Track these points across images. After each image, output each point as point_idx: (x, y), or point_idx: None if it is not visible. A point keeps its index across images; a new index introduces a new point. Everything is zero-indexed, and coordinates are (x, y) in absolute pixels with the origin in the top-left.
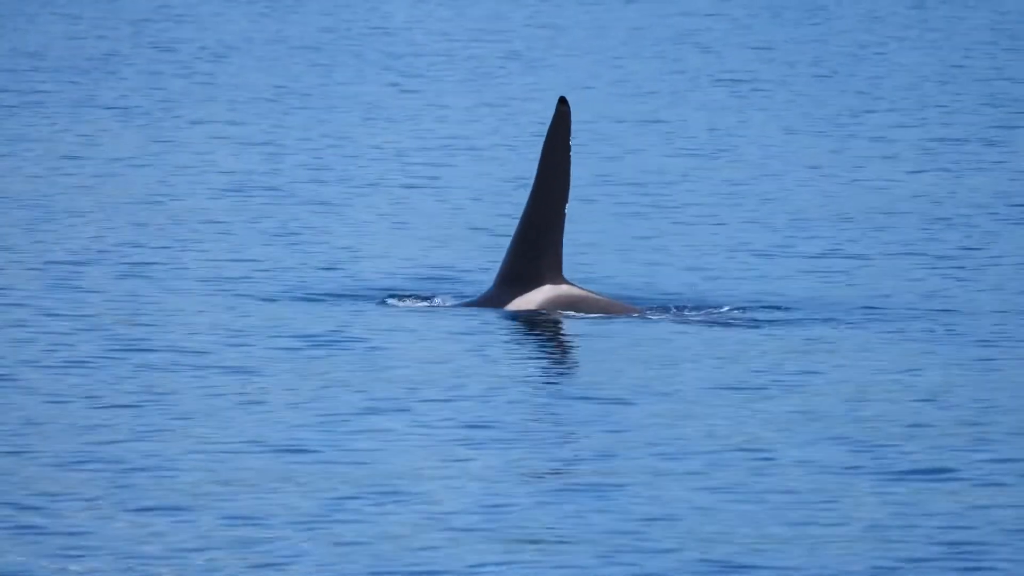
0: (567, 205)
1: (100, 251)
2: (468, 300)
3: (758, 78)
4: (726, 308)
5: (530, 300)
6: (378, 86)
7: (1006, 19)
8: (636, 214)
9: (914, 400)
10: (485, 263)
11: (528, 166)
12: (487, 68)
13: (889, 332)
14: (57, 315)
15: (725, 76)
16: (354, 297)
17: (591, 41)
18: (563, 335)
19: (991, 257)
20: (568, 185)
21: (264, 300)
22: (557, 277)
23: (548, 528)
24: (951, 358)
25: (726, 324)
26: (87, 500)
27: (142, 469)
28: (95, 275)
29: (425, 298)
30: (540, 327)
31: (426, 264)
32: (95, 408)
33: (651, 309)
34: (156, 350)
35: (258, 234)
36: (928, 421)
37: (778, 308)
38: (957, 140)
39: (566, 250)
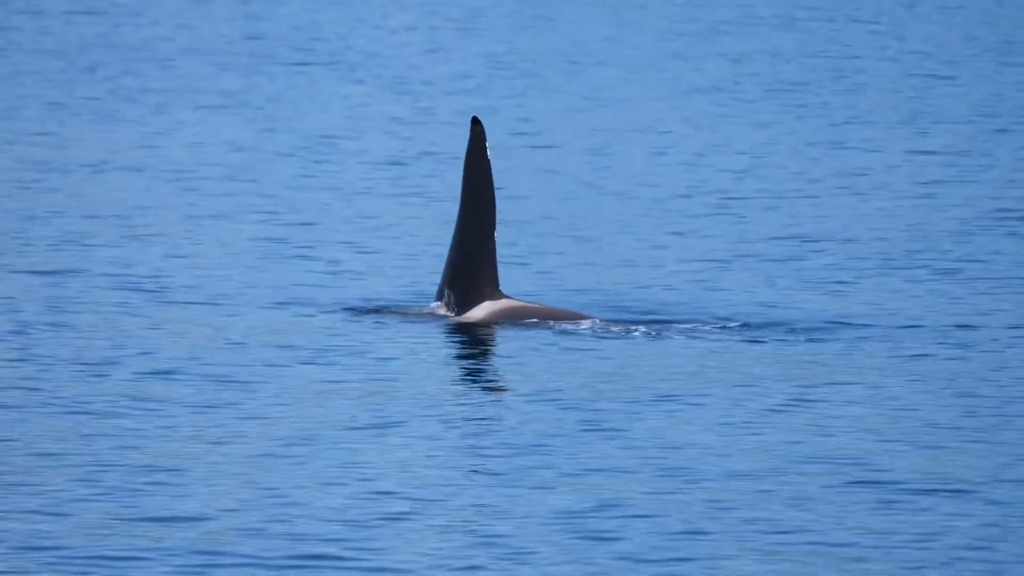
0: (496, 222)
1: (86, 261)
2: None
3: (744, 88)
4: (710, 323)
5: (472, 316)
6: (364, 89)
7: (993, 28)
8: (626, 227)
9: (902, 414)
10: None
11: (504, 175)
12: (471, 75)
13: (881, 346)
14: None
15: (709, 86)
16: (330, 309)
17: (571, 46)
18: (526, 349)
19: (990, 269)
20: (494, 201)
21: (247, 312)
22: (495, 292)
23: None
24: (953, 372)
25: (706, 338)
26: (90, 511)
27: (131, 477)
28: (83, 286)
29: (376, 311)
30: (493, 340)
31: (409, 277)
32: (94, 419)
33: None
34: (141, 363)
35: (245, 243)
36: (924, 434)
37: (750, 325)
38: (945, 152)
39: (561, 263)
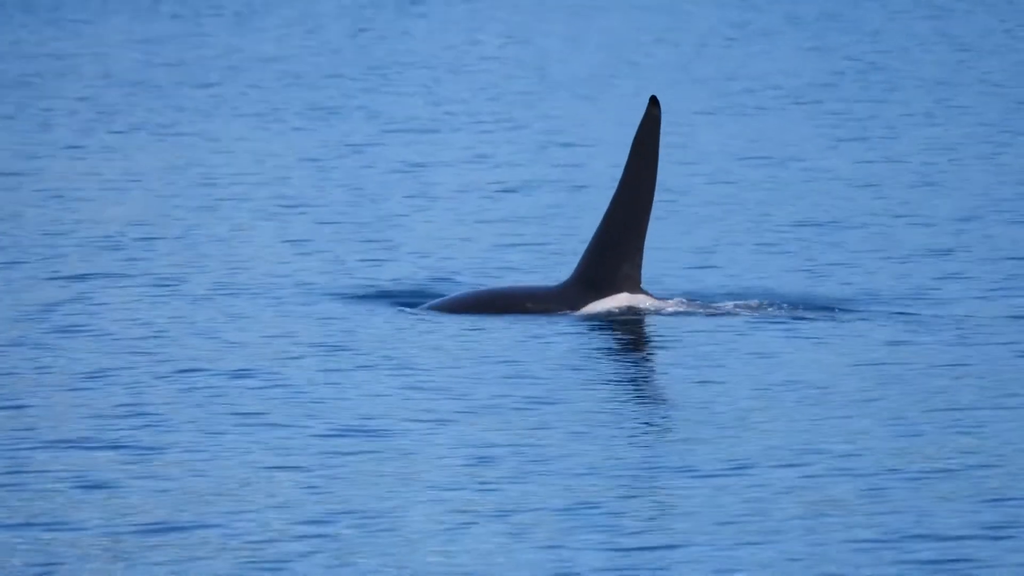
0: (650, 213)
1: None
2: (535, 294)
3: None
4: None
5: (605, 306)
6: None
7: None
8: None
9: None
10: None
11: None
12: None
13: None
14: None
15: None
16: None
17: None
18: (643, 341)
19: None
20: (653, 192)
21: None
22: (635, 287)
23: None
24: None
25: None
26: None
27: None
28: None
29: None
30: (619, 333)
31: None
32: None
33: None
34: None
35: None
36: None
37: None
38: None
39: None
